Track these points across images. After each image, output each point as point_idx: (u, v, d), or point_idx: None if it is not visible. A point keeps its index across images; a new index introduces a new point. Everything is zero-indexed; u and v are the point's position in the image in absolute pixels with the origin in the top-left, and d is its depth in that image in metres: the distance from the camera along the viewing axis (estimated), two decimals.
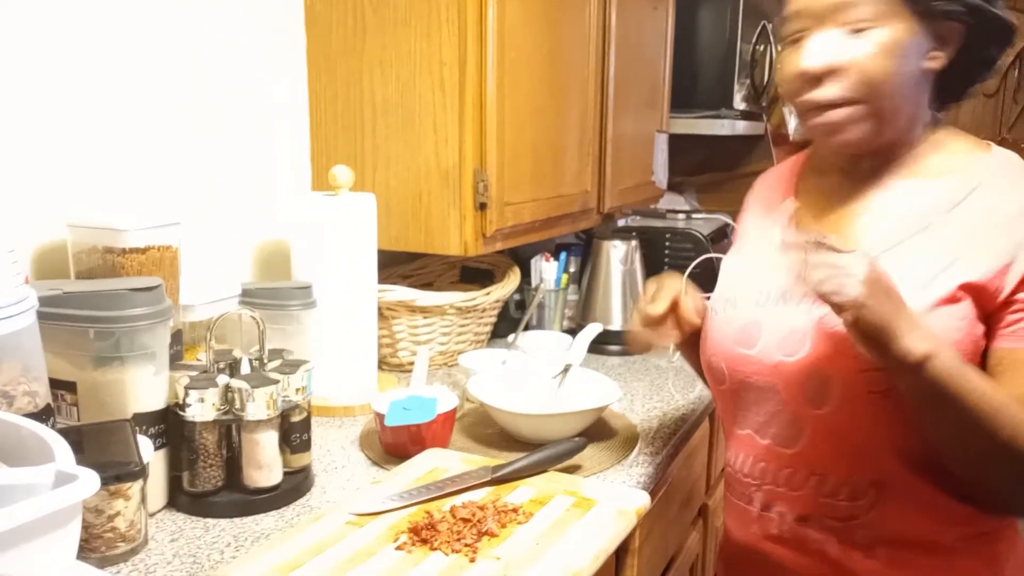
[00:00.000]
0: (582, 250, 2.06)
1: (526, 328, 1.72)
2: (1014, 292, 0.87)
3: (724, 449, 1.12)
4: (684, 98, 2.42)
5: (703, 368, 1.10)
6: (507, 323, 1.84)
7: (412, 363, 1.35)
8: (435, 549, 0.89)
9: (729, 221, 2.21)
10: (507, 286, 1.72)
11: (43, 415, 0.84)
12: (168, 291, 1.05)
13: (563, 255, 1.93)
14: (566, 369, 1.38)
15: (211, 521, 1.00)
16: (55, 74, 1.14)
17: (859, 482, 0.94)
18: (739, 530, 1.08)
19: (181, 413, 1.00)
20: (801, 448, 0.97)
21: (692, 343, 1.13)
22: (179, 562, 0.91)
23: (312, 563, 0.86)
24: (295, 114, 1.56)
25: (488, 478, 1.05)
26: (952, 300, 0.88)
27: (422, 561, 0.87)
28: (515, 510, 0.97)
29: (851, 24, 0.89)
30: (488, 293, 1.65)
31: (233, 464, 1.04)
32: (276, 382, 1.02)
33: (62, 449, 0.67)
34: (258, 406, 1.00)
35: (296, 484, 1.07)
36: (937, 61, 0.92)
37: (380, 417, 1.19)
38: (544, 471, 1.10)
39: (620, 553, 1.16)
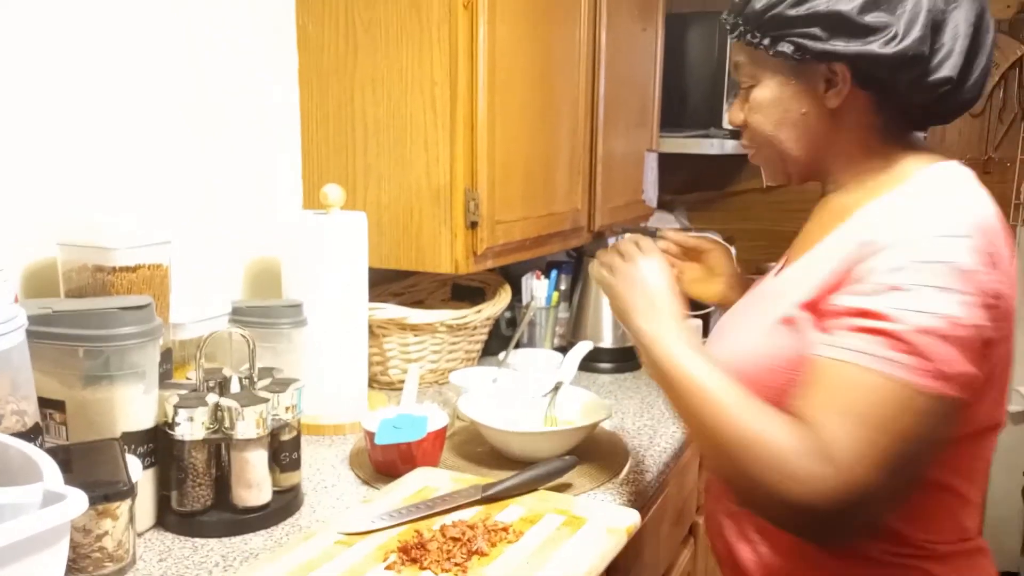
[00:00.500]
0: (573, 268, 2.07)
1: (517, 346, 1.72)
2: (823, 300, 0.87)
3: None
4: (674, 118, 2.43)
5: None
6: (498, 341, 1.84)
7: (403, 381, 1.35)
8: (425, 568, 0.88)
9: (719, 239, 2.22)
10: (498, 304, 1.72)
11: (31, 434, 0.84)
12: (158, 309, 1.05)
13: (554, 273, 1.94)
14: (557, 387, 1.38)
15: (200, 541, 1.00)
16: (46, 93, 1.14)
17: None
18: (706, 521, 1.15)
19: (170, 432, 0.99)
20: None
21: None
22: None
23: None
24: (286, 133, 1.56)
25: (478, 497, 1.05)
26: (788, 321, 0.91)
27: None
28: (505, 529, 0.97)
29: (743, 86, 1.00)
30: (479, 311, 1.65)
31: (222, 483, 1.04)
32: (266, 401, 1.02)
33: (50, 468, 0.67)
34: (248, 425, 1.00)
35: (286, 503, 1.07)
36: (834, 99, 0.93)
37: (370, 435, 1.19)
38: (534, 489, 1.10)
39: (610, 572, 1.16)
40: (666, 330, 0.96)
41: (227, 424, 1.00)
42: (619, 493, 1.18)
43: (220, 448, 1.03)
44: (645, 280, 1.02)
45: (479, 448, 1.30)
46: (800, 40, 0.91)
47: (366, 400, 1.46)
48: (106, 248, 1.06)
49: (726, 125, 2.49)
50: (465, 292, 1.85)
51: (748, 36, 0.95)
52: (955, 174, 0.92)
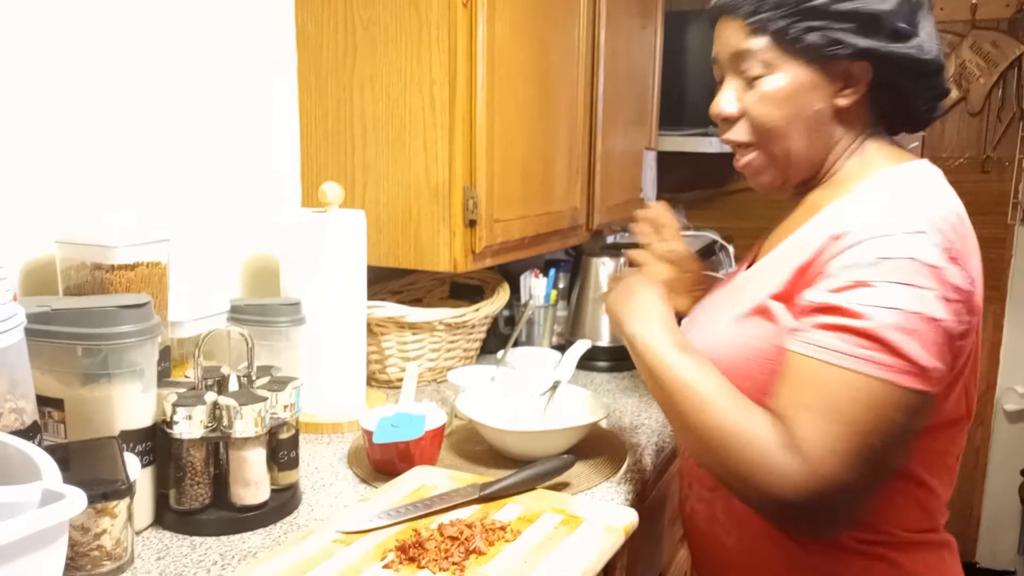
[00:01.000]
0: (571, 266, 2.07)
1: (515, 344, 1.72)
2: (794, 293, 0.90)
3: None
4: (672, 116, 2.43)
5: None
6: (496, 339, 1.84)
7: (401, 379, 1.35)
8: (423, 567, 0.89)
9: (717, 238, 2.22)
10: (496, 302, 1.72)
11: (30, 432, 0.84)
12: (156, 307, 1.05)
13: (552, 271, 1.94)
14: (555, 386, 1.38)
15: (198, 539, 1.00)
16: (45, 93, 1.14)
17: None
18: (679, 505, 1.18)
19: (168, 430, 0.99)
20: None
21: None
22: None
23: None
24: (285, 131, 1.56)
25: (476, 496, 1.05)
26: (760, 312, 0.93)
27: None
28: (503, 528, 0.97)
29: (747, 74, 0.96)
30: (477, 309, 1.65)
31: (220, 482, 1.04)
32: (264, 399, 1.02)
33: (49, 467, 0.67)
34: (246, 423, 1.00)
35: (284, 502, 1.07)
36: (848, 98, 0.95)
37: (368, 434, 1.19)
38: (532, 488, 1.10)
39: (608, 571, 1.16)
40: (653, 331, 0.98)
41: (225, 422, 1.00)
42: (617, 492, 1.18)
43: (218, 446, 1.03)
44: (635, 291, 1.04)
45: (477, 447, 1.30)
46: (835, 34, 0.91)
47: (364, 398, 1.46)
48: (105, 246, 1.06)
49: None
50: (464, 290, 1.86)
51: (775, 22, 0.92)
52: (922, 172, 0.95)
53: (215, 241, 1.44)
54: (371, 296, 1.51)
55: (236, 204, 1.48)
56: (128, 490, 0.88)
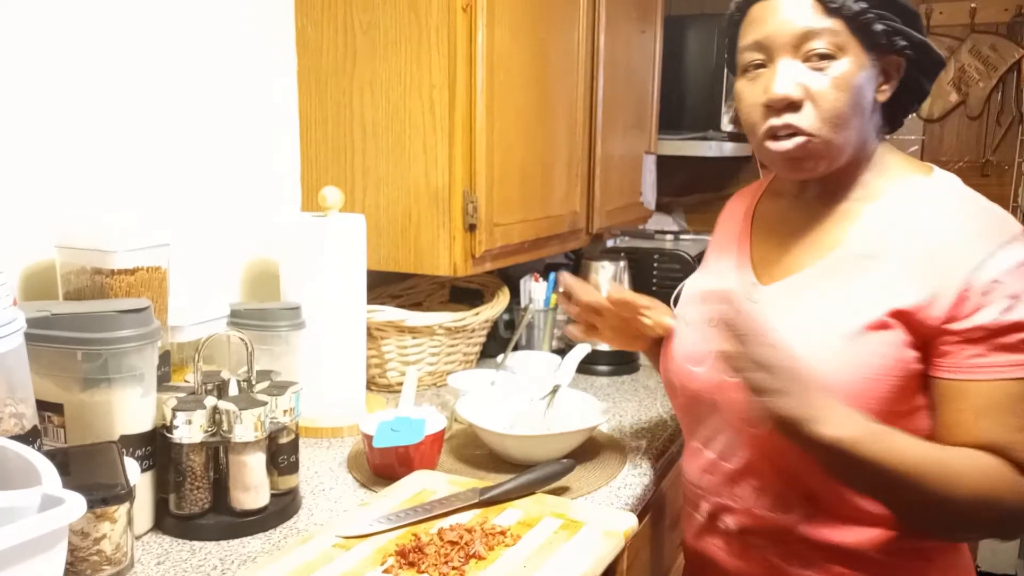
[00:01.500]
0: (571, 270, 2.07)
1: (515, 348, 1.72)
2: (944, 323, 0.88)
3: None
4: (672, 120, 2.44)
5: (663, 381, 1.17)
6: (496, 343, 1.84)
7: (401, 384, 1.35)
8: (422, 572, 0.88)
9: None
10: (496, 306, 1.72)
11: (29, 437, 0.84)
12: (156, 312, 1.05)
13: (552, 275, 1.94)
14: (555, 390, 1.38)
15: (197, 544, 1.00)
16: (45, 96, 1.14)
17: (791, 497, 0.97)
18: (692, 538, 1.14)
19: (168, 435, 0.99)
20: (740, 464, 1.01)
21: (656, 353, 1.19)
22: None
23: None
24: (285, 135, 1.56)
25: (476, 500, 1.05)
26: (881, 326, 0.90)
27: None
28: (503, 532, 0.97)
29: (813, 56, 0.91)
30: (477, 313, 1.65)
31: (220, 486, 1.04)
32: (264, 404, 1.02)
33: (48, 472, 0.67)
34: (246, 428, 1.00)
35: (283, 506, 1.07)
36: (884, 93, 0.96)
37: (368, 438, 1.19)
38: (532, 493, 1.10)
39: None
40: (854, 427, 0.84)
41: (225, 427, 1.00)
42: (617, 496, 1.18)
43: (218, 451, 1.03)
44: (800, 372, 0.84)
45: (477, 451, 1.30)
46: (897, 25, 0.92)
47: (364, 403, 1.46)
48: (104, 251, 1.06)
49: (724, 127, 2.49)
50: (463, 294, 1.85)
51: (850, 5, 0.90)
52: (957, 180, 0.98)
53: (215, 245, 1.44)
54: (371, 300, 1.51)
55: (236, 207, 1.48)
56: (128, 495, 0.88)
